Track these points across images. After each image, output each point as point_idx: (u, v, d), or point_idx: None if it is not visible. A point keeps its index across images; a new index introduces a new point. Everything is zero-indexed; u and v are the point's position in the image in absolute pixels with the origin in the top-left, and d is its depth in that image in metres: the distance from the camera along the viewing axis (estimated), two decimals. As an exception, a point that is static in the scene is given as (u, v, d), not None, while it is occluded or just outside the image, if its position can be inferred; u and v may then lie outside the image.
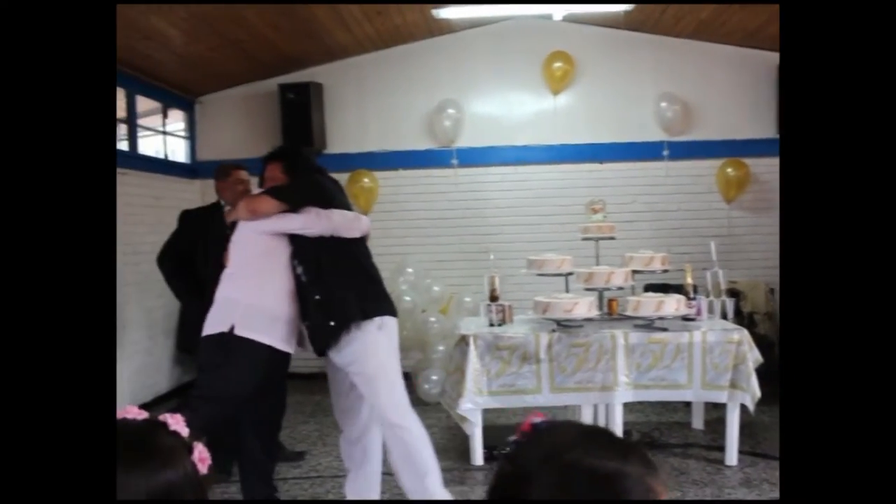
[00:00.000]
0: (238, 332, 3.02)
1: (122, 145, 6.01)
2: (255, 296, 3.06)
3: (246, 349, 3.03)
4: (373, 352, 3.06)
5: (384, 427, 3.15)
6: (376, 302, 3.15)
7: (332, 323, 3.03)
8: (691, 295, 4.33)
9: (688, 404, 4.91)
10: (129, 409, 0.99)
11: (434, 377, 5.49)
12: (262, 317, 3.07)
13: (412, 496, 3.14)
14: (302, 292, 3.10)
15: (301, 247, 3.10)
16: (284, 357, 3.24)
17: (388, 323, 3.15)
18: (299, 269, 3.10)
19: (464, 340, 4.08)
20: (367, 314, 3.06)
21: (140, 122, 6.11)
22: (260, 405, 3.34)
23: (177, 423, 0.98)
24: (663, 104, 6.21)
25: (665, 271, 4.52)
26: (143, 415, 1.00)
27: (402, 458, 3.09)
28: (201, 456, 0.96)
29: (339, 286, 3.06)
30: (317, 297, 3.05)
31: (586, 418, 4.09)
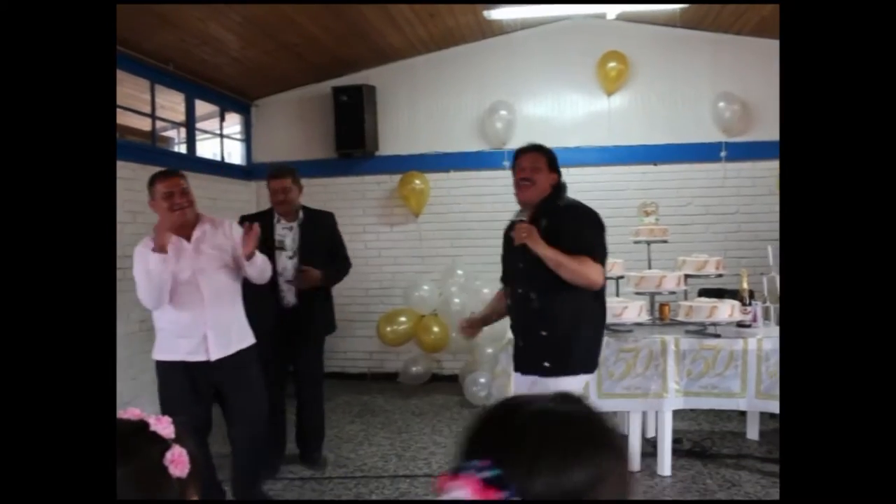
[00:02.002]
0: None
1: (181, 148, 6.20)
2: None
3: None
4: None
5: None
6: None
7: None
8: (747, 301, 4.20)
9: (742, 413, 4.75)
10: (129, 411, 1.01)
11: (482, 380, 5.46)
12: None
13: None
14: None
15: None
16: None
17: None
18: None
19: (510, 343, 4.03)
20: None
21: (199, 125, 6.27)
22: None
23: (159, 424, 1.00)
24: (721, 104, 6.04)
25: (720, 276, 4.39)
26: (138, 416, 1.02)
27: None
28: (176, 458, 0.97)
29: None
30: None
31: (635, 426, 4.00)
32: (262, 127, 6.89)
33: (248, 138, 6.90)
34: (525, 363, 3.08)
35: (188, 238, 3.29)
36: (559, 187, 3.09)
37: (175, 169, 3.35)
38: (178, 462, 0.96)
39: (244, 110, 6.82)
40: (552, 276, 2.90)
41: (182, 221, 3.22)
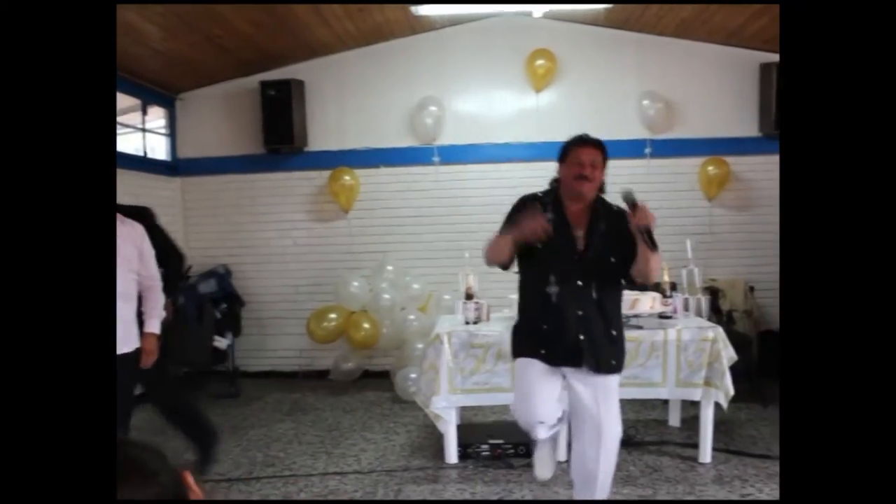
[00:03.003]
0: None
1: (101, 142, 5.96)
2: None
3: None
4: None
5: None
6: None
7: None
8: (668, 293, 4.33)
9: (666, 402, 4.91)
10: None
11: (413, 375, 5.47)
12: None
13: None
14: None
15: None
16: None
17: None
18: None
19: (438, 338, 4.06)
20: None
21: (119, 119, 6.07)
22: None
23: None
24: (646, 102, 6.21)
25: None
26: None
27: None
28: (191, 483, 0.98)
29: None
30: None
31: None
32: (187, 121, 6.72)
33: (172, 133, 6.71)
34: (592, 359, 2.95)
35: None
36: (603, 185, 3.05)
37: None
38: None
39: (168, 104, 6.63)
40: (612, 269, 2.95)
41: None
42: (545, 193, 3.10)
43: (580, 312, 2.94)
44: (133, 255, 3.39)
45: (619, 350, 3.06)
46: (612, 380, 3.05)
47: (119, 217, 3.34)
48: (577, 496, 3.21)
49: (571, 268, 2.94)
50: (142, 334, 3.45)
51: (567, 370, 3.03)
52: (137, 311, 3.47)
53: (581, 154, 2.94)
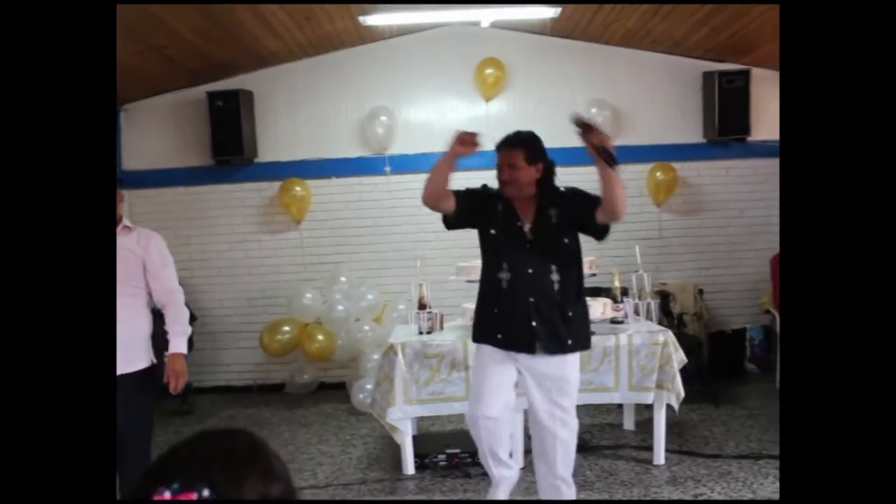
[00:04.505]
0: None
1: (42, 155, 5.81)
2: None
3: None
4: None
5: None
6: None
7: None
8: (619, 298, 4.39)
9: (620, 406, 4.97)
10: None
11: (368, 386, 5.42)
12: None
13: None
14: None
15: None
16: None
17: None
18: None
19: (392, 349, 4.05)
20: None
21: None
22: None
23: None
24: (594, 110, 6.28)
25: (593, 275, 4.56)
26: None
27: None
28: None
29: None
30: None
31: (518, 423, 4.09)
32: (132, 133, 6.56)
33: (117, 144, 6.56)
34: (545, 343, 3.06)
35: None
36: (549, 171, 3.14)
37: None
38: None
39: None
40: (569, 259, 3.09)
41: None
42: (497, 189, 3.22)
43: (531, 299, 3.06)
44: (134, 270, 3.15)
45: (576, 329, 3.12)
46: (570, 363, 3.12)
47: (124, 227, 3.16)
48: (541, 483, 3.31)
49: (522, 256, 3.09)
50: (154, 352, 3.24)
51: (520, 358, 3.11)
52: (151, 327, 3.26)
53: (499, 158, 3.13)
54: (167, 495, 0.80)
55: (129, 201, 6.48)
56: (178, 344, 3.21)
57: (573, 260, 3.15)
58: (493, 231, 3.15)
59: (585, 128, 2.88)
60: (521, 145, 3.10)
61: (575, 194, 3.17)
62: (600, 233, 3.10)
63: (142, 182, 6.51)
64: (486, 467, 3.38)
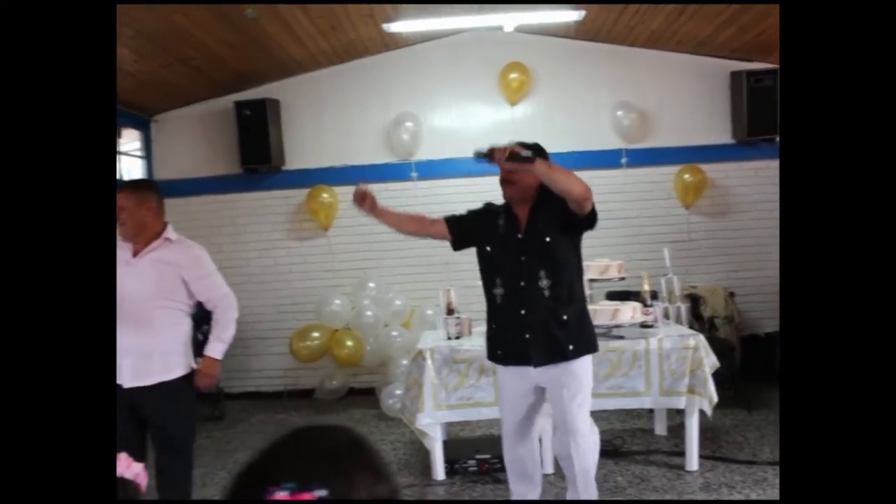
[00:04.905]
0: None
1: (75, 167, 5.92)
2: None
3: None
4: None
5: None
6: None
7: None
8: (648, 302, 4.35)
9: (651, 411, 4.92)
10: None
11: (398, 392, 5.44)
12: None
13: None
14: None
15: None
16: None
17: None
18: None
19: (420, 355, 4.05)
20: None
21: (93, 142, 6.01)
22: None
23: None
24: (620, 112, 6.26)
25: (622, 279, 4.54)
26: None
27: None
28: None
29: None
30: None
31: (546, 428, 4.07)
32: (162, 143, 6.67)
33: (148, 155, 6.67)
34: (541, 353, 3.07)
35: (135, 253, 3.15)
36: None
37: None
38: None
39: (143, 126, 6.59)
40: (557, 261, 3.07)
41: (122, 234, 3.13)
42: (502, 203, 3.26)
43: (522, 311, 3.08)
44: (170, 282, 3.16)
45: (574, 333, 3.09)
46: (577, 367, 3.09)
47: (165, 240, 3.19)
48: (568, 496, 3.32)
49: (515, 269, 3.10)
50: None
51: (530, 371, 3.12)
52: (190, 336, 3.30)
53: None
54: (283, 495, 0.78)
55: (160, 210, 6.60)
56: (214, 349, 3.26)
57: (562, 262, 3.11)
58: (488, 248, 3.19)
59: (489, 155, 2.93)
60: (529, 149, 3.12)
61: (557, 198, 3.08)
62: (583, 223, 3.05)
63: (172, 191, 6.53)
64: (509, 483, 3.41)
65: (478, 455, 4.21)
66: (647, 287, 4.41)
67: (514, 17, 5.46)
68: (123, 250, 3.17)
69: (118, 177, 6.33)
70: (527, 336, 3.07)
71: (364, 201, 3.22)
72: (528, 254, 3.08)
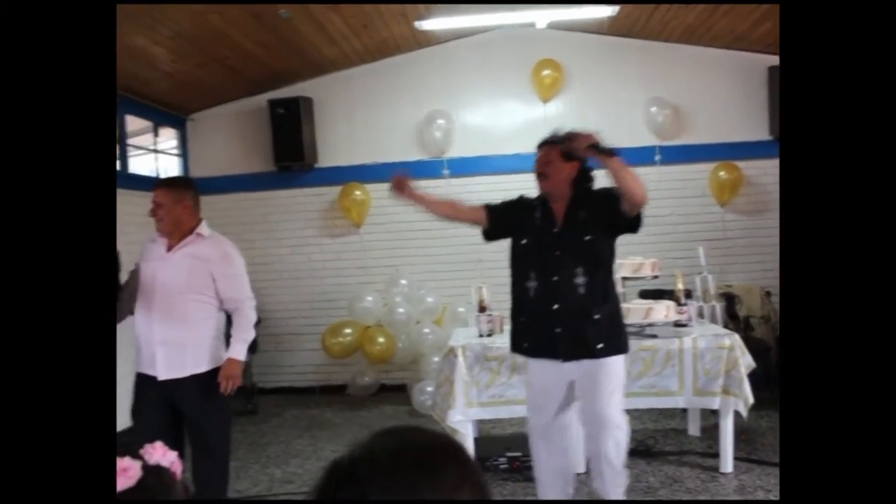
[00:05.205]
0: None
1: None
2: None
3: None
4: None
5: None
6: None
7: None
8: (682, 301, 4.30)
9: (684, 411, 4.87)
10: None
11: (429, 388, 5.45)
12: None
13: None
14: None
15: None
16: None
17: None
18: None
19: (452, 352, 4.05)
20: None
21: (131, 141, 6.13)
22: None
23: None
24: (653, 109, 6.20)
25: (655, 277, 4.49)
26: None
27: None
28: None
29: None
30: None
31: (576, 427, 4.05)
32: (198, 141, 6.78)
33: (184, 153, 6.77)
34: (570, 349, 3.05)
35: (169, 248, 3.23)
36: (584, 174, 3.14)
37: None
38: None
39: (179, 125, 6.70)
40: (596, 259, 3.07)
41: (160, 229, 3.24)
42: (537, 196, 3.26)
43: (556, 306, 3.05)
44: (200, 278, 3.22)
45: (605, 332, 3.07)
46: (608, 366, 3.07)
47: (197, 235, 3.26)
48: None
49: (549, 263, 3.08)
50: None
51: (560, 365, 3.10)
52: (220, 331, 3.36)
53: (538, 155, 3.18)
54: None
55: (196, 208, 6.69)
56: (235, 350, 3.29)
57: (600, 261, 3.11)
58: (523, 241, 3.18)
59: (567, 139, 2.94)
60: (558, 143, 3.13)
61: (601, 192, 3.13)
62: (632, 225, 3.05)
63: (207, 188, 6.62)
64: (536, 480, 3.38)
65: (509, 453, 4.21)
66: (680, 286, 4.36)
67: (547, 14, 5.44)
68: (159, 245, 3.27)
69: (155, 175, 6.44)
70: (557, 330, 3.06)
71: (402, 189, 3.18)
72: (564, 249, 3.06)
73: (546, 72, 6.20)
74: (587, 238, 3.05)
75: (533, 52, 6.24)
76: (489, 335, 4.23)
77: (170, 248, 3.23)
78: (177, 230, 3.23)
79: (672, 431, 4.84)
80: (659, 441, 4.58)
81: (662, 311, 4.10)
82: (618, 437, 3.14)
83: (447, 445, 0.86)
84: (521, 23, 5.92)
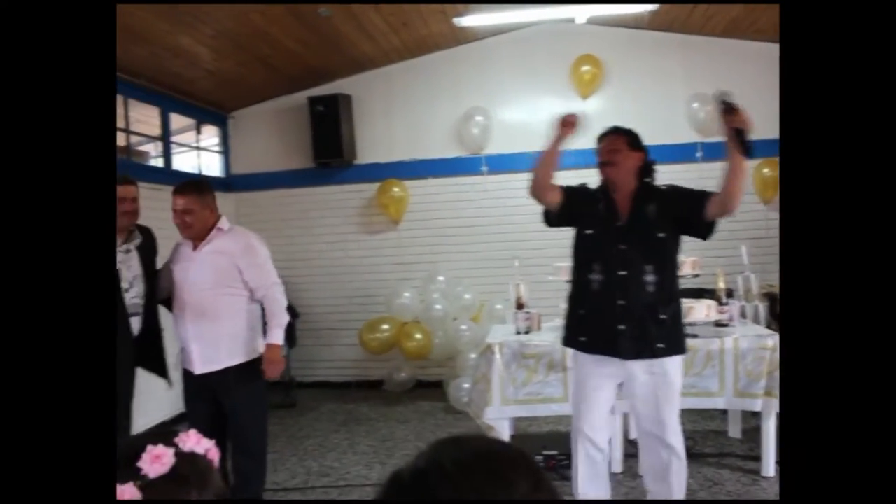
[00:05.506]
0: None
1: (158, 162, 6.17)
2: None
3: None
4: None
5: None
6: None
7: None
8: (723, 300, 4.23)
9: (724, 412, 4.78)
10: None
11: (465, 385, 5.46)
12: None
13: None
14: None
15: None
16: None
17: None
18: None
19: (489, 349, 4.05)
20: None
21: (175, 138, 6.25)
22: None
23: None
24: (695, 105, 6.09)
25: (696, 276, 4.41)
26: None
27: None
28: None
29: None
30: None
31: (616, 426, 4.02)
32: (239, 138, 6.88)
33: (225, 150, 6.89)
34: (632, 348, 2.98)
35: (195, 247, 3.30)
36: (648, 166, 3.09)
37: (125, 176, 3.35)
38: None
39: (221, 122, 6.81)
40: (666, 258, 3.02)
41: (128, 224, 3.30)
42: (597, 188, 3.18)
43: (621, 301, 2.97)
44: (228, 272, 3.29)
45: (668, 332, 3.00)
46: (667, 366, 3.01)
47: (218, 230, 3.32)
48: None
49: (615, 256, 3.00)
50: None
51: (617, 363, 3.03)
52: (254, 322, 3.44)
53: (602, 145, 3.10)
54: None
55: (236, 204, 6.81)
56: (273, 335, 3.38)
57: (669, 260, 3.05)
58: (589, 231, 3.08)
59: (729, 108, 2.78)
60: (624, 133, 3.09)
61: (677, 191, 3.07)
62: (707, 230, 2.99)
63: (247, 185, 6.82)
64: (573, 481, 3.31)
65: (545, 451, 4.19)
66: (721, 285, 4.29)
67: (586, 9, 5.39)
68: (186, 246, 3.35)
69: (198, 172, 6.56)
70: (620, 327, 2.96)
71: (570, 128, 3.05)
72: (631, 244, 2.98)
73: (585, 68, 6.14)
74: (660, 235, 2.98)
75: (572, 48, 6.19)
76: (527, 332, 4.22)
77: (195, 248, 3.31)
78: (203, 231, 3.30)
79: (712, 433, 4.77)
80: (698, 442, 4.52)
81: (703, 310, 4.04)
82: (678, 448, 3.08)
83: (517, 454, 0.83)
84: (561, 18, 5.87)
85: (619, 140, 3.06)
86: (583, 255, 3.11)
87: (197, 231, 3.28)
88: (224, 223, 3.37)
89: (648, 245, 2.98)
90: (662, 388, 3.02)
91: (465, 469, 0.78)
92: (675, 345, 3.03)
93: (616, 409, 3.46)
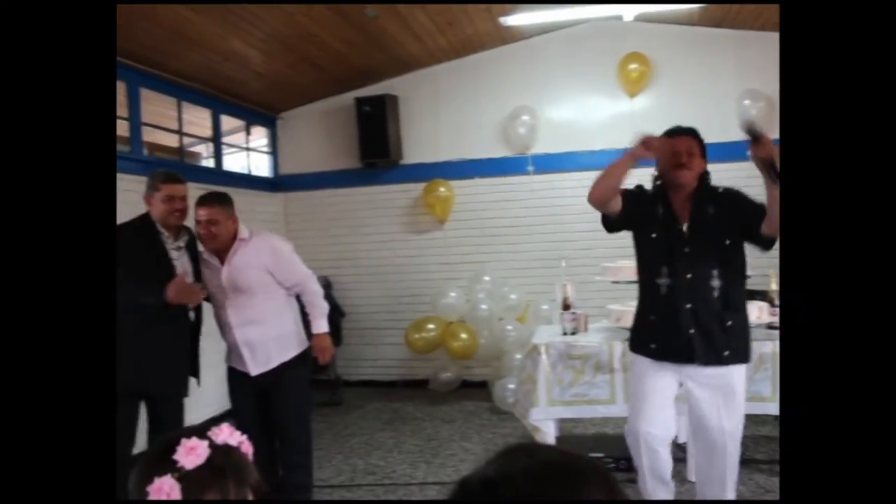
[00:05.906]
0: None
1: (209, 162, 6.31)
2: None
3: None
4: None
5: None
6: None
7: None
8: (776, 302, 4.13)
9: (777, 418, 4.67)
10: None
11: (511, 385, 5.45)
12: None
13: None
14: None
15: None
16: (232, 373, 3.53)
17: None
18: None
19: (535, 349, 4.03)
20: None
21: (225, 140, 6.38)
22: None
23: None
24: (746, 101, 5.96)
25: (748, 277, 4.31)
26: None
27: None
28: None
29: None
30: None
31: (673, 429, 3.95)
32: (287, 139, 6.99)
33: (274, 151, 7.00)
34: (702, 353, 2.91)
35: (222, 260, 3.36)
36: (707, 171, 3.03)
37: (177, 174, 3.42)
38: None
39: (270, 123, 6.92)
40: (733, 265, 2.95)
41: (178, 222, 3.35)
42: (652, 188, 3.08)
43: (689, 305, 2.90)
44: (260, 277, 3.35)
45: (734, 339, 2.93)
46: (732, 374, 2.94)
47: (241, 240, 3.35)
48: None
49: (680, 260, 2.93)
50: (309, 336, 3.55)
51: (681, 370, 2.97)
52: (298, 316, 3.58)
53: (676, 143, 2.94)
54: None
55: (284, 203, 6.92)
56: (317, 325, 3.52)
57: (736, 265, 2.96)
58: (653, 234, 3.00)
59: (755, 138, 2.71)
60: (696, 136, 2.99)
61: (738, 197, 2.97)
62: (767, 244, 2.87)
63: (295, 185, 6.92)
64: (641, 487, 3.20)
65: (591, 453, 4.14)
66: (774, 286, 4.19)
67: (634, 6, 5.32)
68: (212, 259, 3.38)
69: (247, 171, 6.68)
70: (691, 332, 2.90)
71: (650, 151, 2.82)
72: (695, 247, 2.91)
73: (633, 66, 6.06)
74: (723, 239, 2.91)
75: (620, 46, 6.11)
76: (573, 333, 4.18)
77: (222, 261, 3.36)
78: (227, 241, 3.34)
79: (764, 438, 4.66)
80: (749, 448, 4.41)
81: (754, 312, 3.93)
82: (733, 453, 3.01)
83: (587, 465, 0.81)
84: (608, 16, 5.81)
85: (694, 143, 2.96)
86: (648, 259, 3.05)
87: (221, 241, 3.32)
88: (243, 231, 3.39)
89: (712, 249, 2.92)
90: (724, 395, 2.94)
91: (534, 479, 0.77)
92: (740, 352, 2.96)
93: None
